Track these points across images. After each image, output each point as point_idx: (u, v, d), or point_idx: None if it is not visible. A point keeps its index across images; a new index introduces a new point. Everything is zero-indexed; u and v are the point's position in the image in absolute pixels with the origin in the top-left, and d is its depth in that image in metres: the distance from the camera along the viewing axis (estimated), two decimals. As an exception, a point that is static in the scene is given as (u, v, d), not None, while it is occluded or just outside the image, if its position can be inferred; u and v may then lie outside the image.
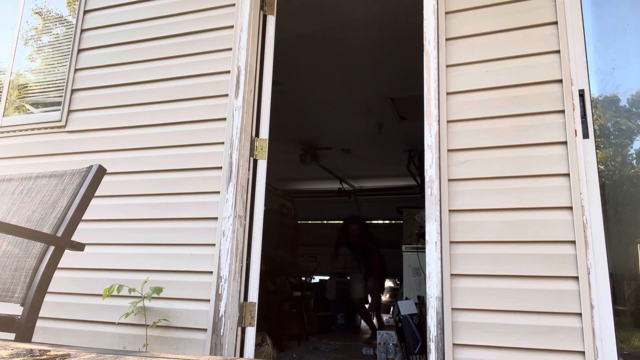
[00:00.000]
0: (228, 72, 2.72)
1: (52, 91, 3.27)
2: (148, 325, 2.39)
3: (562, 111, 2.12)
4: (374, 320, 5.67)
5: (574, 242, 1.98)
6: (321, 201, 9.98)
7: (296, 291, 5.58)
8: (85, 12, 3.23)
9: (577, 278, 1.94)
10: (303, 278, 6.74)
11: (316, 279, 7.69)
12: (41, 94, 3.36)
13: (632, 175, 2.31)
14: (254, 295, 2.49)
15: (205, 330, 2.37)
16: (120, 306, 2.48)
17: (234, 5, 2.81)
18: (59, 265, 1.56)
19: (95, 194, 1.72)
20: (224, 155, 2.59)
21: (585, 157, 2.05)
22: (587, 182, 2.02)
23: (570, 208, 2.01)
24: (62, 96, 3.12)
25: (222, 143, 2.62)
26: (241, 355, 2.37)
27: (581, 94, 2.12)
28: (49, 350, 0.58)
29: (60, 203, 1.67)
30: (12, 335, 1.41)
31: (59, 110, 3.10)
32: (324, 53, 4.38)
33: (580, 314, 1.91)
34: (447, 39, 2.37)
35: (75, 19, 3.24)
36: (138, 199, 2.74)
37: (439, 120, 2.28)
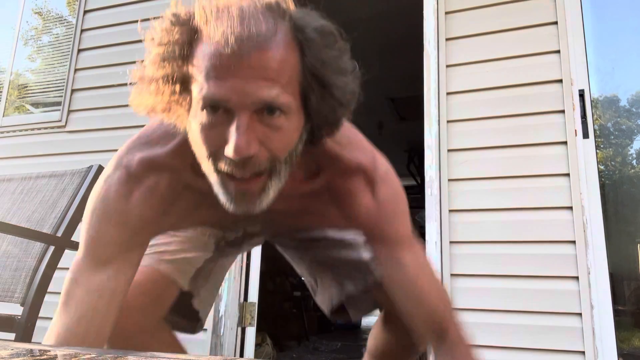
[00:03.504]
0: (228, 72, 2.71)
1: (52, 91, 3.27)
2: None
3: (562, 111, 2.12)
4: None
5: (574, 242, 1.98)
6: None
7: (296, 291, 5.57)
8: (85, 12, 3.23)
9: (577, 278, 1.94)
10: (303, 278, 6.72)
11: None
12: (41, 94, 3.36)
13: (632, 175, 2.32)
14: (254, 295, 2.49)
15: (205, 330, 2.37)
16: (120, 306, 2.47)
17: (234, 5, 2.81)
18: (59, 265, 1.55)
19: (95, 194, 1.72)
20: (224, 155, 2.58)
21: (585, 157, 2.05)
22: (587, 182, 2.02)
23: (570, 208, 2.01)
24: (62, 96, 3.12)
25: (222, 143, 2.62)
26: (241, 355, 2.37)
27: (581, 94, 2.12)
28: (49, 350, 0.58)
29: (60, 203, 1.67)
30: (12, 335, 1.41)
31: (59, 110, 3.09)
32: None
33: (580, 314, 1.91)
34: (447, 39, 2.37)
35: (75, 19, 3.23)
36: (138, 199, 2.74)
37: (439, 120, 2.28)
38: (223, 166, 0.67)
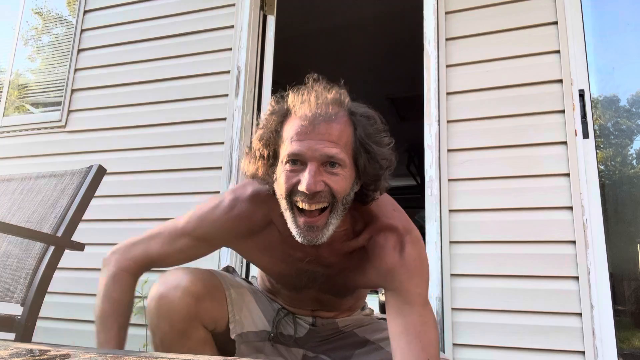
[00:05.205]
0: (228, 72, 2.72)
1: (52, 91, 3.27)
2: (148, 325, 2.39)
3: (562, 111, 2.12)
4: None
5: (574, 242, 1.98)
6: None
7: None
8: (85, 12, 3.23)
9: (577, 278, 1.94)
10: None
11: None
12: (41, 94, 3.36)
13: (632, 175, 2.31)
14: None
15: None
16: (120, 306, 2.47)
17: (234, 5, 2.81)
18: (59, 265, 1.55)
19: (95, 194, 1.72)
20: (224, 155, 2.58)
21: (585, 157, 2.05)
22: (587, 182, 2.02)
23: (570, 208, 2.01)
24: (62, 96, 3.12)
25: (222, 143, 2.62)
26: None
27: (581, 94, 2.12)
28: (49, 350, 0.58)
29: (60, 203, 1.67)
30: (12, 335, 1.41)
31: (59, 110, 3.09)
32: (324, 53, 4.38)
33: (580, 314, 1.91)
34: (447, 39, 2.37)
35: (75, 19, 3.23)
36: (138, 199, 2.74)
37: (439, 120, 2.28)
38: (296, 199, 0.95)
